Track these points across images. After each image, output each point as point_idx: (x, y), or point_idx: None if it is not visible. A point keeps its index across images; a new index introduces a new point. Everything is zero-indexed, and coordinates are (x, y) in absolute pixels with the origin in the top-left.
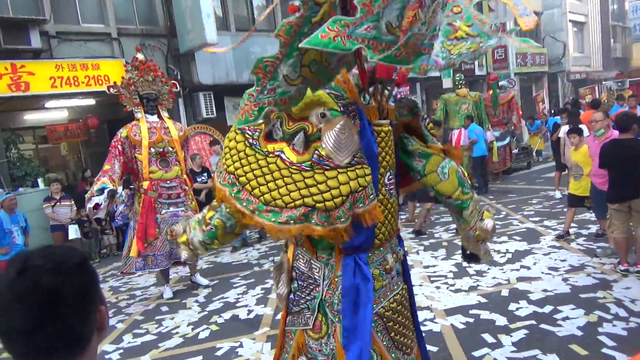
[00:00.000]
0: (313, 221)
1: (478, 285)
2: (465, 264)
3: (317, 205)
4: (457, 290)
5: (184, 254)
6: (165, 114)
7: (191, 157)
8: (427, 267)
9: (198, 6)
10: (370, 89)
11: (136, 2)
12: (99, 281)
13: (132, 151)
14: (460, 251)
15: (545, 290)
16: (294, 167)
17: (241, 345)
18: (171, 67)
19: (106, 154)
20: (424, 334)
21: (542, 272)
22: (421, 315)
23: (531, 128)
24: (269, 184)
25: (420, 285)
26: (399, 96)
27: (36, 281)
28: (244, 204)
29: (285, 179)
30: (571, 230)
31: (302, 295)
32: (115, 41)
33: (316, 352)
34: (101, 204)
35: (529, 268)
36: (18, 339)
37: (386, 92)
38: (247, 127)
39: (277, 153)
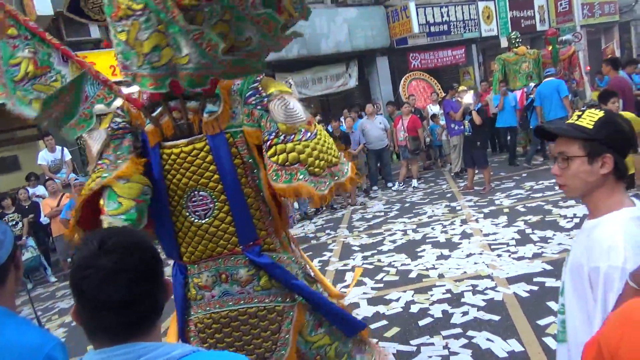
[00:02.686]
0: None
1: (543, 252)
2: (529, 230)
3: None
4: (519, 258)
5: None
6: None
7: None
8: (487, 235)
9: None
10: (158, 109)
11: None
12: None
13: None
14: (523, 217)
15: None
16: None
17: None
18: None
19: None
20: (484, 303)
21: None
22: (482, 284)
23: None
24: None
25: (481, 253)
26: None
27: (125, 256)
28: None
29: None
30: None
31: None
32: None
33: None
34: None
35: None
36: (109, 312)
37: (192, 104)
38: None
39: None
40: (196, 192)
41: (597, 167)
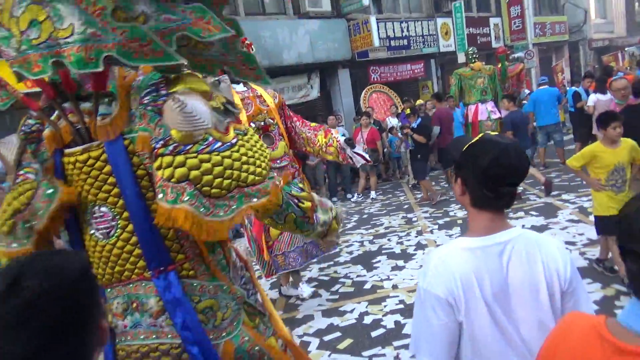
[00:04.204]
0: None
1: None
2: None
3: (1, 230)
4: None
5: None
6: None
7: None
8: (440, 246)
9: None
10: (56, 112)
11: None
12: (99, 292)
13: None
14: None
15: None
16: None
17: None
18: None
19: None
20: None
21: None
22: None
23: None
24: None
25: None
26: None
27: (36, 301)
28: None
29: None
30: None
31: None
32: None
33: None
34: None
35: None
36: None
37: (85, 105)
38: None
39: None
40: (97, 208)
41: (457, 188)
